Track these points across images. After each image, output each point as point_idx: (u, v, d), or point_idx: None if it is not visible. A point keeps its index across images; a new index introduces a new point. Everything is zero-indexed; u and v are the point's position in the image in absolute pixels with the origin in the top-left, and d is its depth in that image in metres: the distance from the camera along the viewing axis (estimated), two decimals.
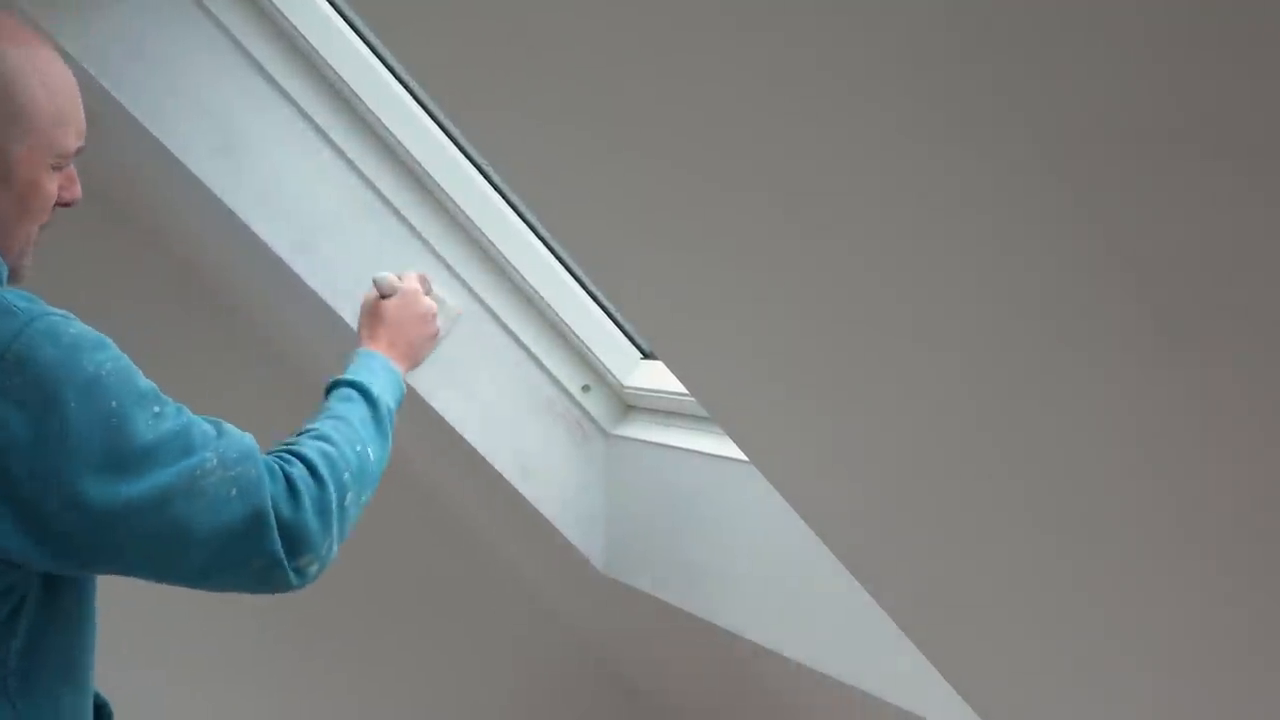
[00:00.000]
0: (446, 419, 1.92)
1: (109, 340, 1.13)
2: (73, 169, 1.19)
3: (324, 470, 1.19)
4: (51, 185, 1.16)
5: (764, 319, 0.86)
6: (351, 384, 1.38)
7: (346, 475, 1.22)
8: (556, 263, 1.98)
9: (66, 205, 1.20)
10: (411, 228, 1.90)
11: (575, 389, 2.01)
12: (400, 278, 1.58)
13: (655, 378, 1.95)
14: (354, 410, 1.34)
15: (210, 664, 2.45)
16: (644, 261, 0.94)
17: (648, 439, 1.91)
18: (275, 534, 1.12)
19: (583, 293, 2.00)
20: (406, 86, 1.90)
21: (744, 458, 1.56)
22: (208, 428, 1.15)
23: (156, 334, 2.45)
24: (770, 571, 1.60)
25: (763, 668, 1.71)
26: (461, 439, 1.93)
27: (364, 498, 1.28)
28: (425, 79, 1.22)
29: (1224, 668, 0.74)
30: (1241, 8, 0.44)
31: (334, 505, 1.18)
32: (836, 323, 0.80)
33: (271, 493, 1.13)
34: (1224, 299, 0.54)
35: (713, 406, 1.07)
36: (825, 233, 0.74)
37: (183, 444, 1.10)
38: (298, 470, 1.17)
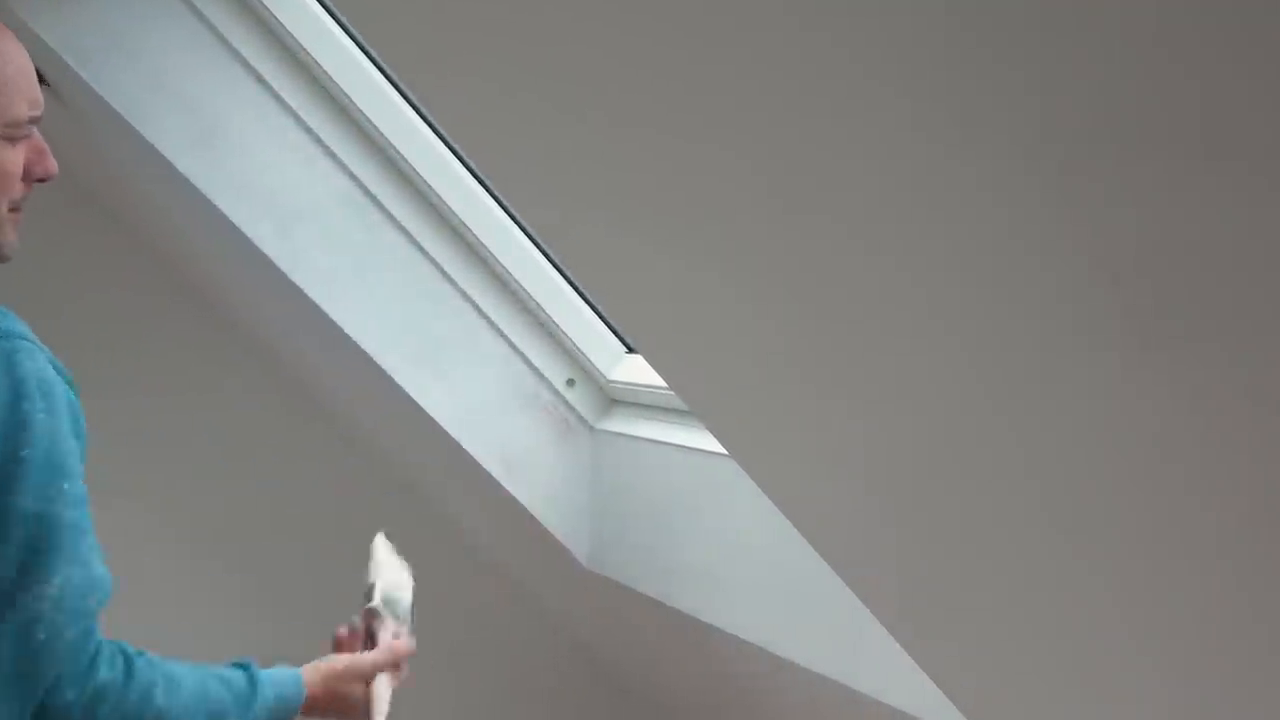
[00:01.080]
0: (430, 412, 1.91)
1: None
2: (41, 142, 1.16)
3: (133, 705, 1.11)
4: (11, 157, 1.12)
5: (747, 316, 0.86)
6: (251, 684, 1.25)
7: None
8: (541, 257, 1.98)
9: (42, 180, 1.16)
10: (396, 222, 1.89)
11: (560, 383, 2.00)
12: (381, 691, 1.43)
13: (639, 372, 1.95)
14: (221, 699, 1.21)
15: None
16: (627, 257, 0.94)
17: (632, 433, 1.91)
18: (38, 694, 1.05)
19: (568, 287, 1.99)
20: (390, 79, 1.88)
21: (726, 451, 1.56)
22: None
23: (138, 326, 2.44)
24: (755, 567, 1.60)
25: (747, 663, 1.71)
26: (445, 432, 1.93)
27: None
28: (406, 70, 1.21)
29: (1213, 671, 0.73)
30: (1239, 12, 0.44)
31: None
32: (820, 320, 0.80)
33: (71, 669, 1.06)
34: (1222, 301, 0.54)
35: (695, 402, 1.06)
36: (811, 231, 0.73)
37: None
38: (110, 677, 1.10)
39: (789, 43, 0.62)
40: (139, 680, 1.13)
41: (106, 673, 1.10)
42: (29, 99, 1.14)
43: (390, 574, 1.59)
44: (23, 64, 1.15)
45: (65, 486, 1.09)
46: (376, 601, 1.52)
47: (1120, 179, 0.53)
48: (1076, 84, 0.51)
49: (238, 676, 1.25)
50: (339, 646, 1.45)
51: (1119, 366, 0.61)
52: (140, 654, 1.16)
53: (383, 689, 1.42)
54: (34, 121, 1.15)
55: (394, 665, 1.45)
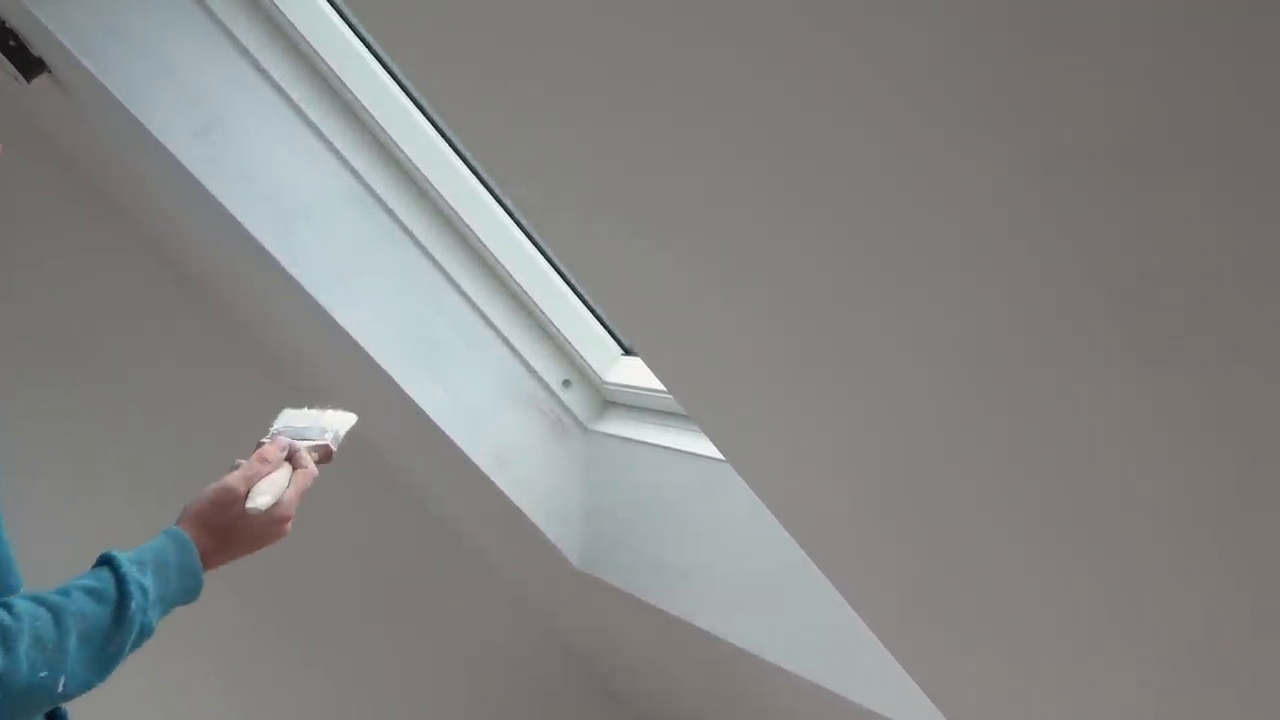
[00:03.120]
0: (425, 409, 1.91)
1: None
2: None
3: None
4: None
5: (745, 321, 0.86)
6: (121, 579, 1.14)
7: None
8: (540, 257, 1.98)
9: None
10: (396, 218, 1.89)
11: (556, 383, 2.00)
12: (277, 495, 1.31)
13: (635, 374, 1.95)
14: (88, 615, 1.11)
15: (185, 660, 2.43)
16: (627, 259, 0.94)
17: (626, 435, 1.91)
18: None
19: (566, 288, 1.99)
20: (393, 75, 1.88)
21: (721, 456, 1.56)
22: None
23: (137, 321, 2.44)
24: (748, 572, 1.60)
25: (738, 668, 1.71)
26: (439, 430, 1.93)
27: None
28: (409, 68, 1.21)
29: (1203, 677, 0.74)
30: (1238, 17, 0.44)
31: None
32: (819, 327, 0.80)
33: None
34: (1216, 305, 0.54)
35: (691, 405, 1.06)
36: (810, 235, 0.73)
37: None
38: None
39: (793, 45, 0.62)
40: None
41: None
42: None
43: (287, 416, 1.49)
44: None
45: None
46: (266, 438, 1.42)
47: (1110, 186, 0.53)
48: (1079, 90, 0.51)
49: (101, 580, 1.14)
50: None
51: (1117, 378, 0.61)
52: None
53: (266, 484, 1.31)
54: None
55: (264, 465, 1.33)
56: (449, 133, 1.91)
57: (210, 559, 1.26)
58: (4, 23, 1.83)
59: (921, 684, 1.02)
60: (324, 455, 1.43)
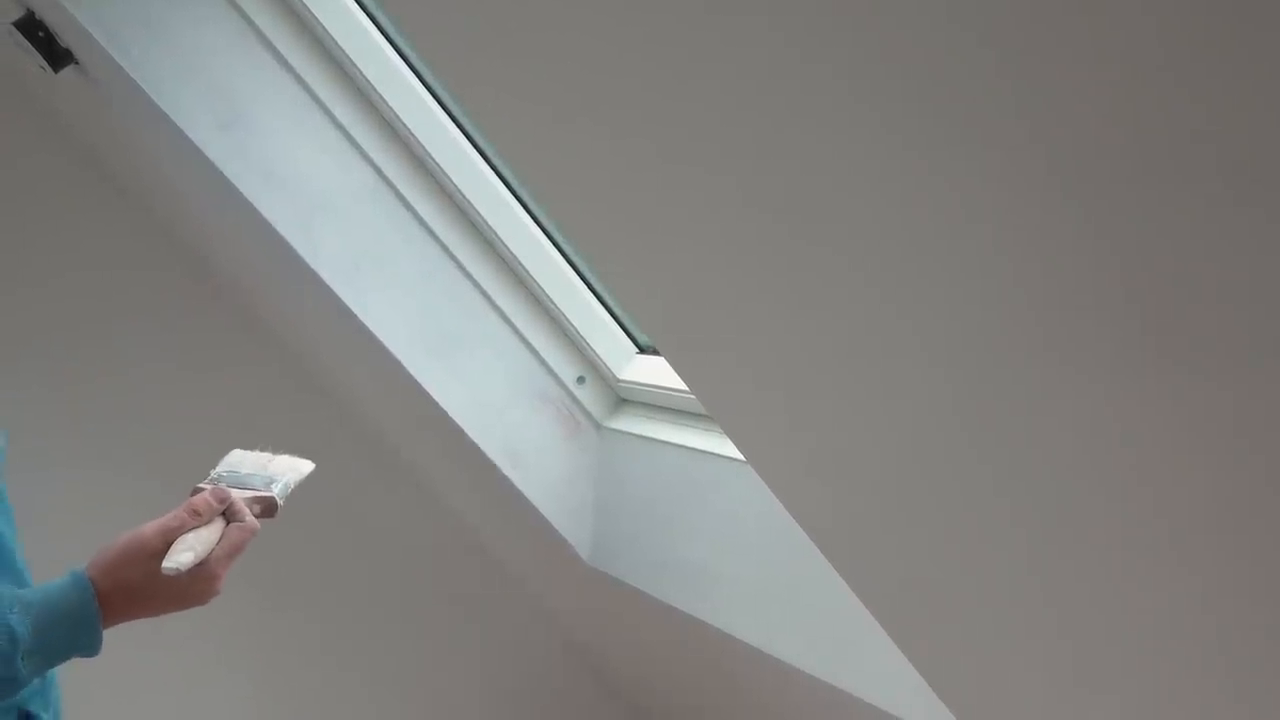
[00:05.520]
0: (440, 403, 1.92)
1: None
2: None
3: None
4: None
5: (767, 319, 0.87)
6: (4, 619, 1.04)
7: None
8: (557, 253, 1.99)
9: None
10: (415, 213, 1.91)
11: (570, 380, 2.01)
12: (197, 554, 1.15)
13: (649, 372, 1.96)
14: None
15: (189, 653, 2.45)
16: (650, 257, 0.95)
17: (640, 433, 1.92)
18: None
19: (582, 285, 2.00)
20: (414, 69, 1.90)
21: (734, 455, 1.57)
22: None
23: (156, 314, 2.46)
24: (759, 570, 1.61)
25: (746, 665, 1.72)
26: (454, 424, 1.94)
27: None
28: (431, 60, 1.22)
29: (1207, 674, 0.74)
30: (1244, 20, 0.45)
31: None
32: (839, 325, 0.81)
33: None
34: (1215, 310, 0.55)
35: (711, 404, 1.07)
36: (830, 235, 0.74)
37: None
38: None
39: (819, 44, 0.63)
40: None
41: None
42: None
43: (233, 460, 1.31)
44: None
45: None
46: (204, 484, 1.26)
47: (1118, 190, 0.54)
48: (1096, 95, 0.52)
49: None
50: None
51: (1132, 380, 0.62)
52: None
53: (192, 539, 1.15)
54: None
55: (194, 520, 1.16)
56: (469, 128, 1.92)
57: (116, 612, 1.11)
58: (33, 14, 1.85)
59: (933, 683, 1.03)
60: (266, 508, 1.26)
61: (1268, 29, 0.45)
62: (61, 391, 2.41)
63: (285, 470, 1.31)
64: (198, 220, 2.36)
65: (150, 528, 1.15)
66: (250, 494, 1.24)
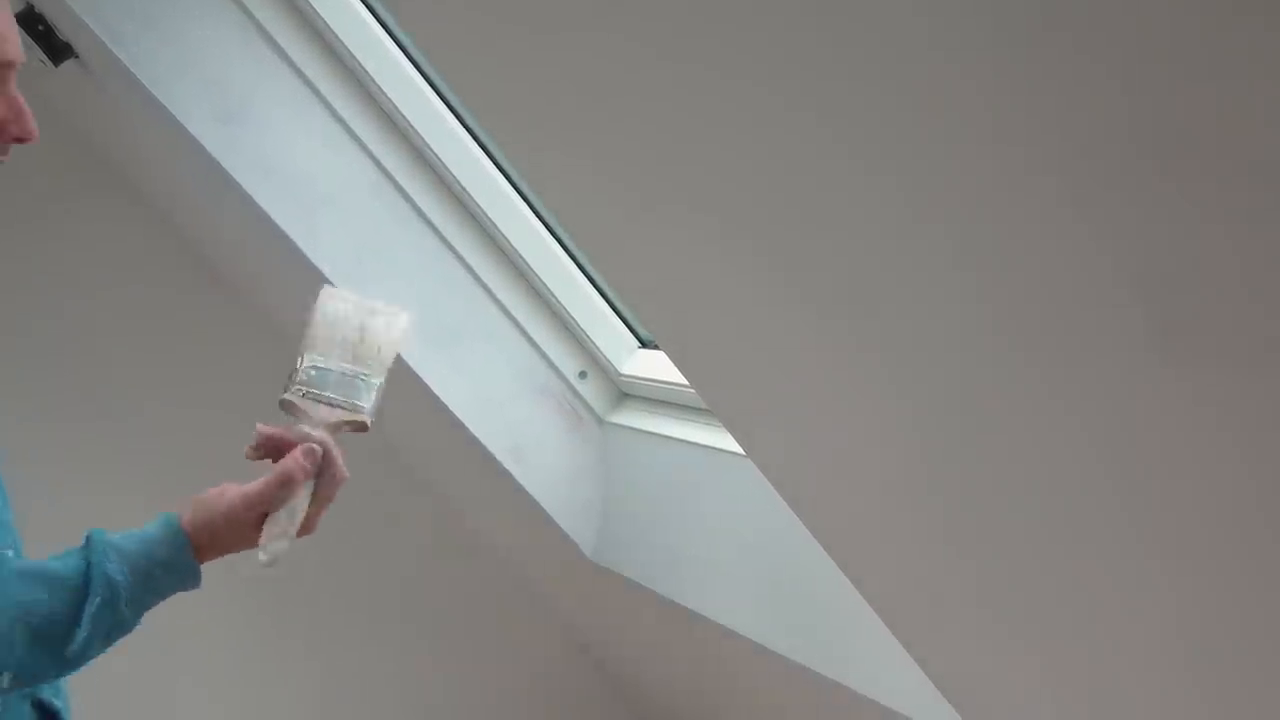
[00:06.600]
0: (441, 397, 1.92)
1: None
2: (21, 103, 1.07)
3: None
4: None
5: (768, 315, 0.86)
6: (88, 569, 1.06)
7: None
8: (559, 248, 1.98)
9: (20, 141, 1.07)
10: (416, 207, 1.90)
11: (572, 375, 2.01)
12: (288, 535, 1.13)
13: (651, 367, 1.95)
14: (34, 607, 1.04)
15: (188, 653, 2.45)
16: (651, 252, 0.94)
17: (642, 428, 1.92)
18: None
19: (584, 279, 2.00)
20: (415, 64, 1.89)
21: (737, 449, 1.56)
22: None
23: (157, 308, 2.46)
24: (761, 566, 1.61)
25: (748, 662, 1.71)
26: (455, 418, 1.93)
27: None
28: (432, 53, 1.22)
29: (1213, 671, 0.74)
30: (1242, 17, 0.44)
31: None
32: (841, 320, 0.80)
33: None
34: (1217, 307, 0.54)
35: (712, 399, 1.07)
36: (833, 230, 0.74)
37: None
38: None
39: (819, 42, 0.62)
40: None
41: None
42: (11, 42, 1.04)
43: (321, 342, 1.16)
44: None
45: None
46: (291, 390, 1.13)
47: (1120, 186, 0.54)
48: (1106, 88, 0.52)
49: (68, 567, 1.06)
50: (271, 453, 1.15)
51: (1142, 375, 0.61)
52: None
53: (284, 519, 1.10)
54: (9, 68, 1.05)
55: (283, 491, 1.11)
56: (470, 122, 1.92)
57: (204, 557, 1.13)
58: (33, 7, 1.84)
59: (938, 682, 1.03)
60: (357, 428, 1.17)
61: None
62: (58, 383, 2.41)
63: (378, 349, 1.18)
64: (198, 213, 2.36)
65: (239, 499, 1.12)
66: (339, 417, 1.14)
